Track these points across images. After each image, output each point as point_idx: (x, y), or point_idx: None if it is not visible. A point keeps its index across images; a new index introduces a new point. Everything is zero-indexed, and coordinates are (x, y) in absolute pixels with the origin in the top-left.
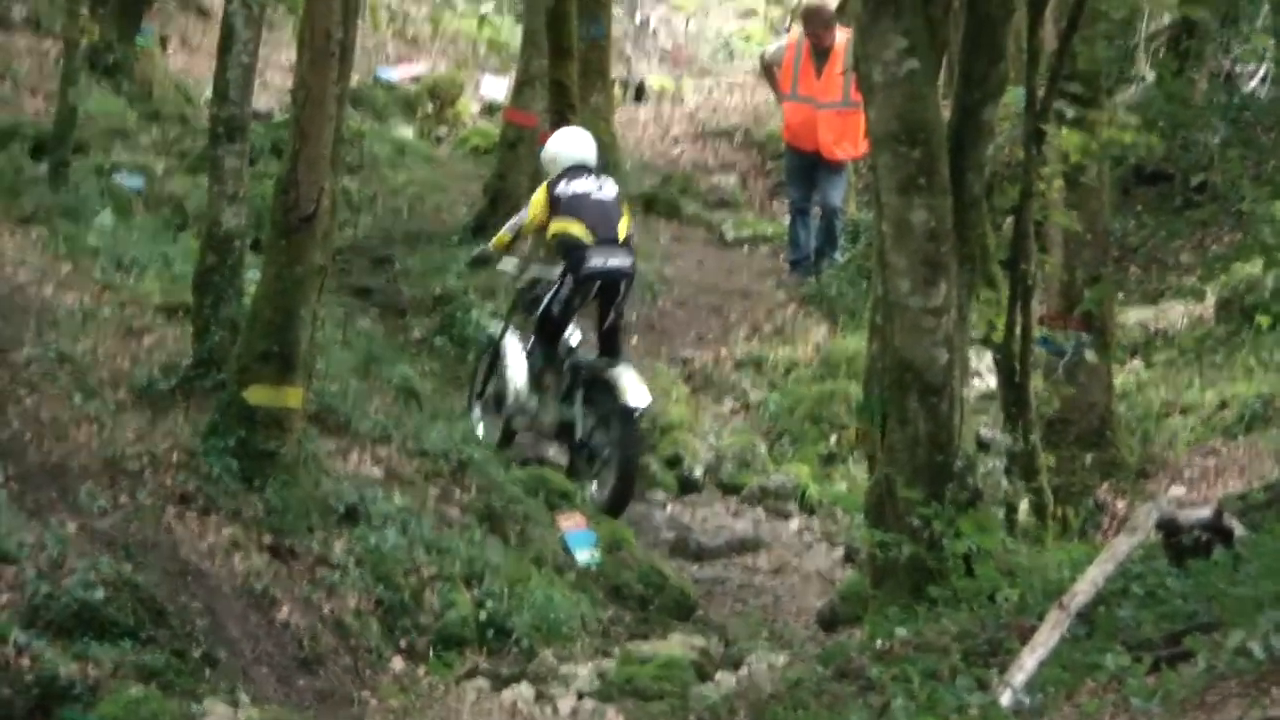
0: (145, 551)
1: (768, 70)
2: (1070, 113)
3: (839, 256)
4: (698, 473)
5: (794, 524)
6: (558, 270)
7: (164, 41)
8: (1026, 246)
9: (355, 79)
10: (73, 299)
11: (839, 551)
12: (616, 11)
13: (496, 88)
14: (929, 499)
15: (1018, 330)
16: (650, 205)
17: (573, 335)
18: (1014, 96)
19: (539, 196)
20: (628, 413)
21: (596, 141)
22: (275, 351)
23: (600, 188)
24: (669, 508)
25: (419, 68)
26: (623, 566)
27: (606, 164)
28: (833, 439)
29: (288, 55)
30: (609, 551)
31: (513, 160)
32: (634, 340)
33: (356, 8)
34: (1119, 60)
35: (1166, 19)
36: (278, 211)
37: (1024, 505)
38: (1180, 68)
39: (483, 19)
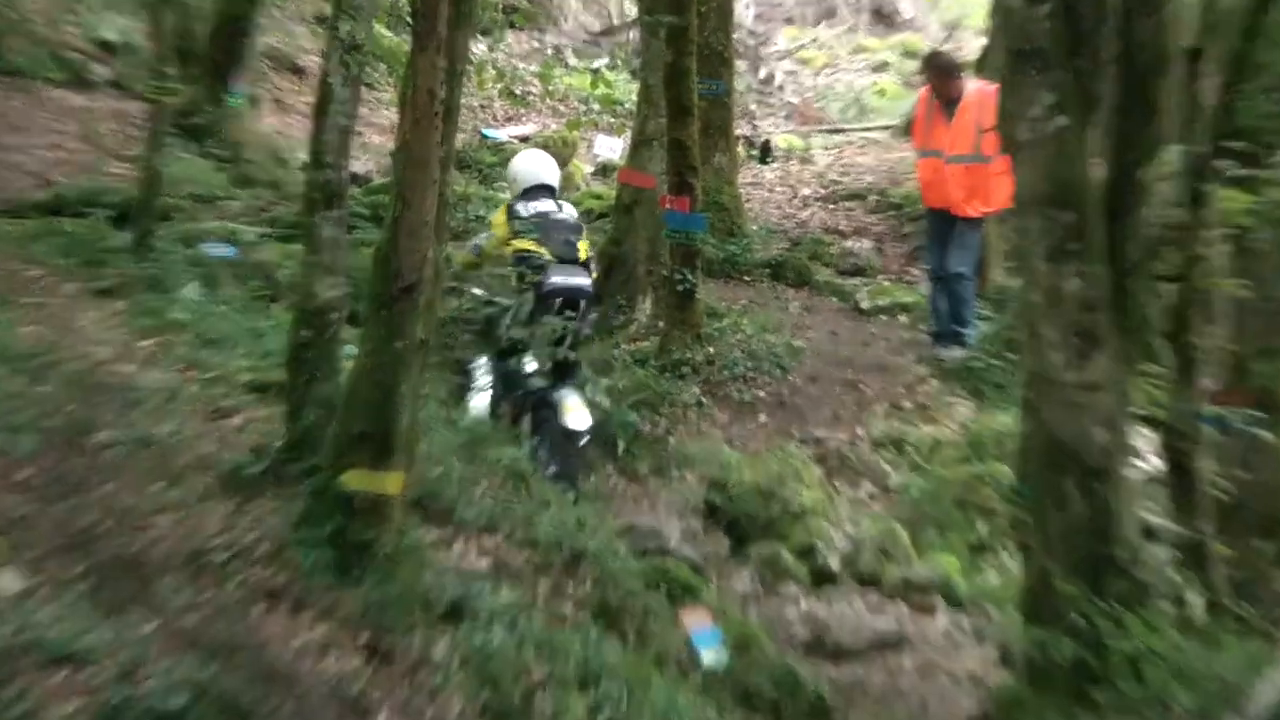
0: (230, 652)
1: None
2: (1234, 171)
3: (970, 331)
4: (833, 564)
5: (941, 620)
6: (518, 292)
7: (255, 102)
8: (1191, 317)
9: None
10: (156, 377)
11: (991, 651)
12: (739, 66)
13: (611, 148)
14: (1090, 593)
15: (1184, 408)
16: (778, 272)
17: (528, 361)
18: (1173, 156)
19: (499, 217)
20: (567, 435)
21: (719, 205)
22: (373, 433)
23: (560, 209)
24: (802, 603)
25: (528, 127)
26: (753, 667)
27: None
28: (982, 527)
29: (388, 115)
30: (737, 651)
31: (629, 224)
32: (761, 418)
33: (462, 67)
34: None
35: None
36: (377, 281)
37: (1197, 601)
38: None
39: (596, 75)
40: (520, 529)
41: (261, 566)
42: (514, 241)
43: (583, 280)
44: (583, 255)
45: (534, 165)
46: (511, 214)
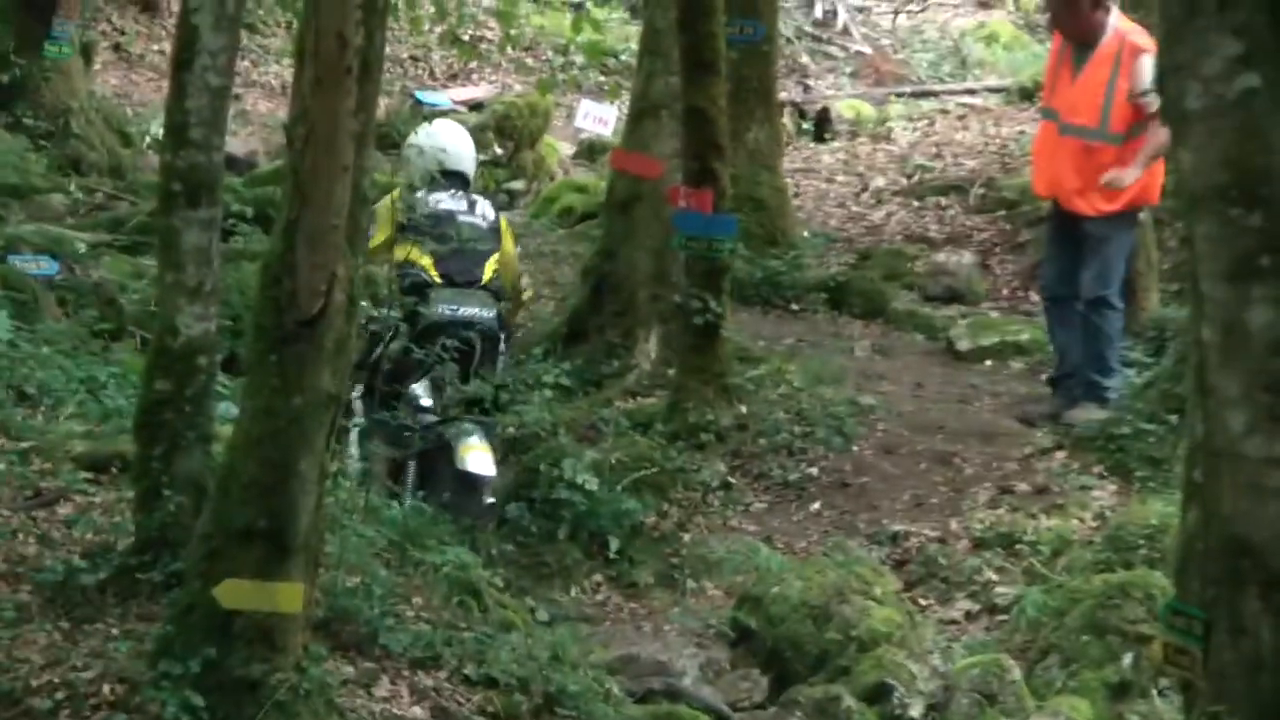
0: None
1: None
2: None
3: (1112, 382)
4: (915, 712)
5: None
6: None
7: (87, 51)
8: None
9: (383, 107)
10: None
11: None
12: (786, 1)
13: (600, 119)
14: None
15: None
16: (839, 298)
17: (420, 392)
18: None
19: (385, 206)
20: (466, 482)
21: (756, 202)
22: (262, 526)
23: (471, 208)
24: None
25: (480, 89)
26: None
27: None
28: (1127, 659)
29: (279, 72)
30: None
31: (625, 229)
32: (814, 506)
33: (385, 3)
34: None
35: None
36: (266, 311)
37: None
38: None
39: (579, 14)
40: (471, 662)
41: (104, 716)
42: (399, 248)
43: (478, 311)
44: (486, 276)
45: (445, 143)
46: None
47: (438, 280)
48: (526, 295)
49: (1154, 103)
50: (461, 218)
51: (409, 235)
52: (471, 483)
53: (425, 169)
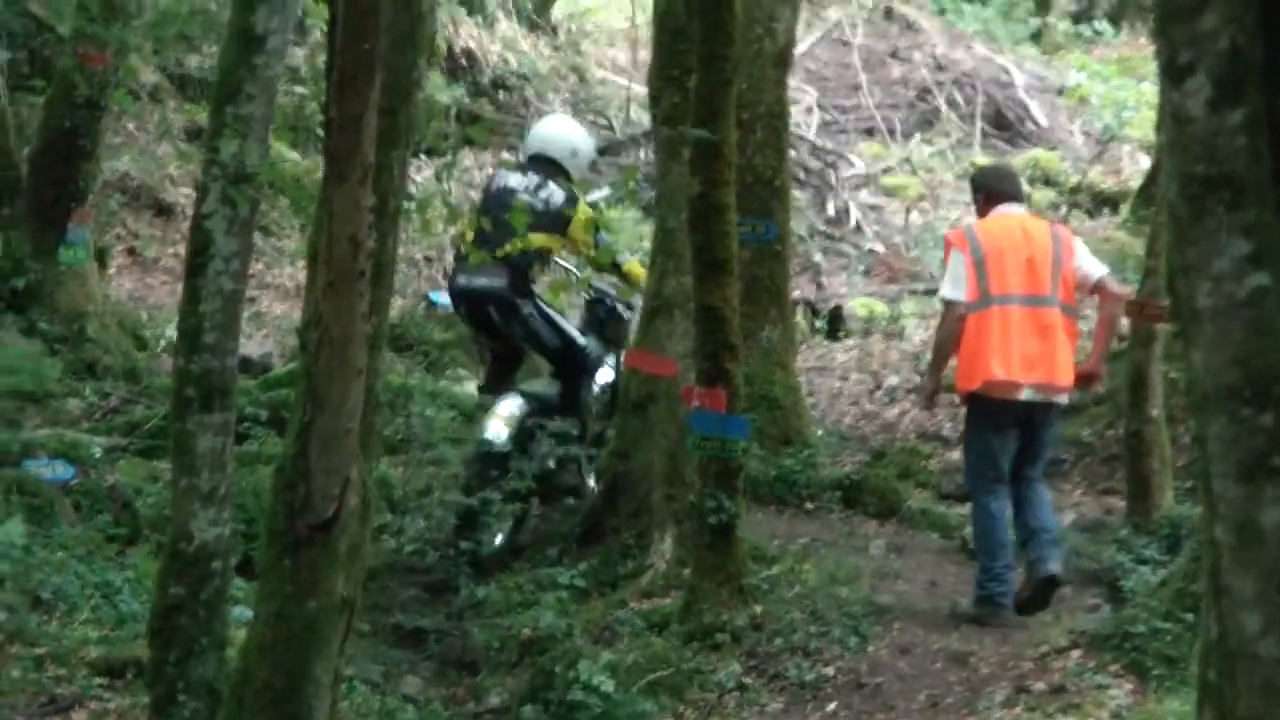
0: None
1: None
2: None
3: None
4: None
5: None
6: None
7: (103, 255)
8: None
9: (397, 308)
10: None
11: None
12: (799, 199)
13: None
14: None
15: None
16: (854, 496)
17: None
18: None
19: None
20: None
21: (769, 401)
22: None
23: (539, 188)
24: None
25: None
26: None
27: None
28: None
29: (293, 274)
30: None
31: (640, 429)
32: (830, 707)
33: (398, 203)
34: None
35: None
36: (280, 515)
37: None
38: None
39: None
40: None
41: None
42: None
43: (487, 281)
44: (515, 248)
45: (541, 131)
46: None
47: (467, 252)
48: (628, 268)
49: None
50: (521, 196)
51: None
52: (481, 449)
53: (524, 150)
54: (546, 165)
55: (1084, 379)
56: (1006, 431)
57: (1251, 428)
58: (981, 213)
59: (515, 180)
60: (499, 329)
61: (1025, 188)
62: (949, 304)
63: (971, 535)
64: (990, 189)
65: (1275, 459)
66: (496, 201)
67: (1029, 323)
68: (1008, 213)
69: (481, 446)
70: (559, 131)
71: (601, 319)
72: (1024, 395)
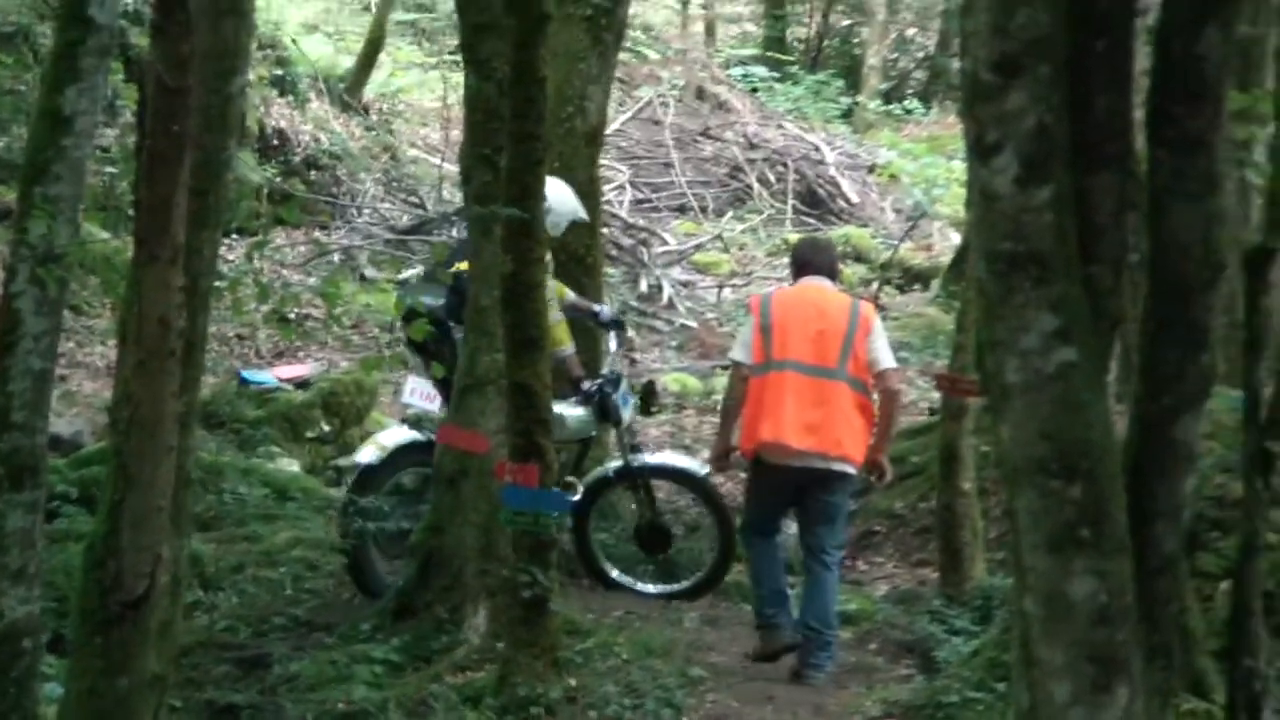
0: None
1: None
2: None
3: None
4: None
5: None
6: None
7: None
8: (1252, 630)
9: (209, 386)
10: None
11: None
12: (610, 275)
13: (426, 395)
14: None
15: None
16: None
17: None
18: (1226, 402)
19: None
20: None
21: None
22: None
23: None
24: None
25: (306, 367)
26: None
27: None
28: None
29: (103, 353)
30: None
31: (453, 505)
32: None
33: (209, 283)
34: None
35: None
36: (91, 593)
37: None
38: None
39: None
40: None
41: None
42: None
43: (427, 298)
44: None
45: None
46: None
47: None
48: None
49: None
50: None
51: None
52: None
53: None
54: None
55: (869, 468)
56: (781, 494)
57: (1060, 500)
58: (793, 283)
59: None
60: (429, 349)
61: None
62: (735, 365)
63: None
64: (799, 260)
65: (1083, 531)
66: None
67: (808, 391)
68: (810, 284)
69: (356, 470)
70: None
71: (593, 396)
72: (798, 462)
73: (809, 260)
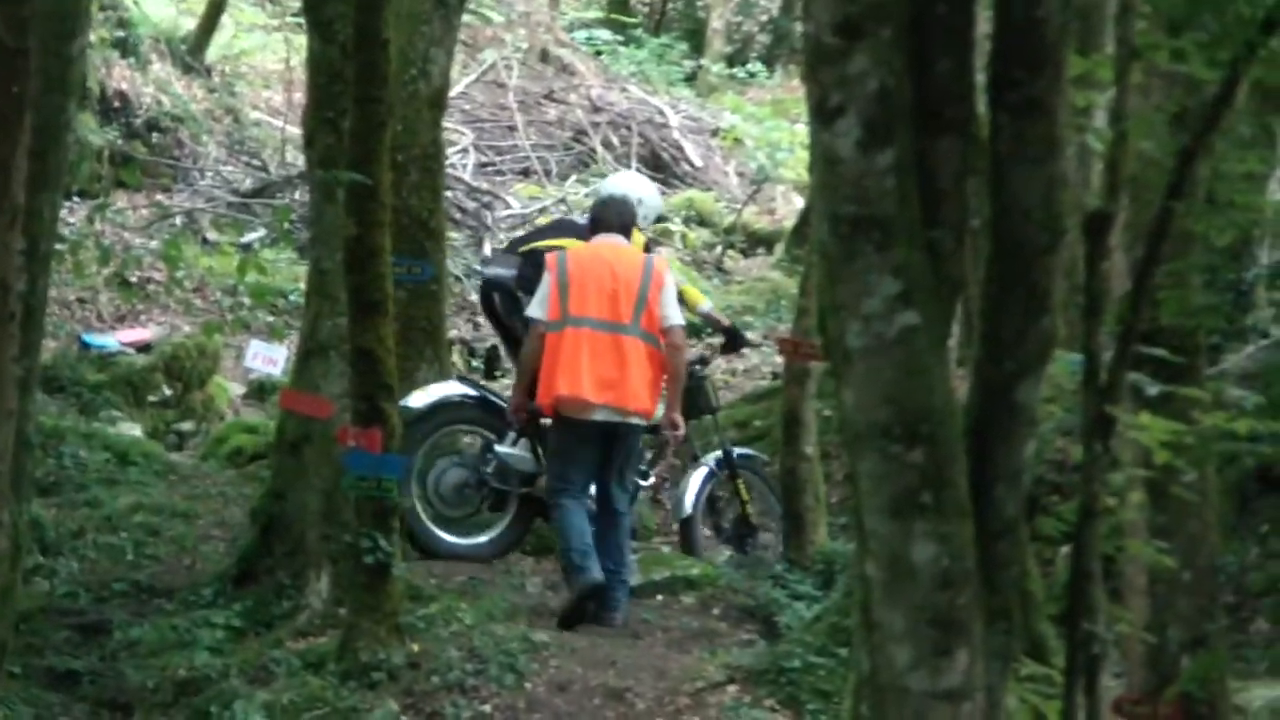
0: None
1: None
2: (1153, 389)
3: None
4: None
5: None
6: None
7: None
8: (1090, 594)
9: (50, 350)
10: None
11: None
12: (456, 240)
13: (269, 359)
14: None
15: None
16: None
17: None
18: (1066, 366)
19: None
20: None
21: None
22: None
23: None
24: None
25: (148, 332)
26: None
27: None
28: None
29: None
30: None
31: (295, 470)
32: None
33: (49, 246)
34: (1226, 309)
35: None
36: None
37: None
38: None
39: (247, 256)
40: None
41: None
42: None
43: (498, 269)
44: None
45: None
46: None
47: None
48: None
49: None
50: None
51: None
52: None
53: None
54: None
55: (666, 427)
56: (584, 447)
57: (902, 465)
58: (588, 239)
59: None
60: (500, 318)
61: (681, 227)
62: (532, 322)
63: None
64: (594, 218)
65: (925, 496)
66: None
67: (604, 347)
68: (604, 241)
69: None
70: (623, 187)
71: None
72: (596, 415)
73: (603, 218)
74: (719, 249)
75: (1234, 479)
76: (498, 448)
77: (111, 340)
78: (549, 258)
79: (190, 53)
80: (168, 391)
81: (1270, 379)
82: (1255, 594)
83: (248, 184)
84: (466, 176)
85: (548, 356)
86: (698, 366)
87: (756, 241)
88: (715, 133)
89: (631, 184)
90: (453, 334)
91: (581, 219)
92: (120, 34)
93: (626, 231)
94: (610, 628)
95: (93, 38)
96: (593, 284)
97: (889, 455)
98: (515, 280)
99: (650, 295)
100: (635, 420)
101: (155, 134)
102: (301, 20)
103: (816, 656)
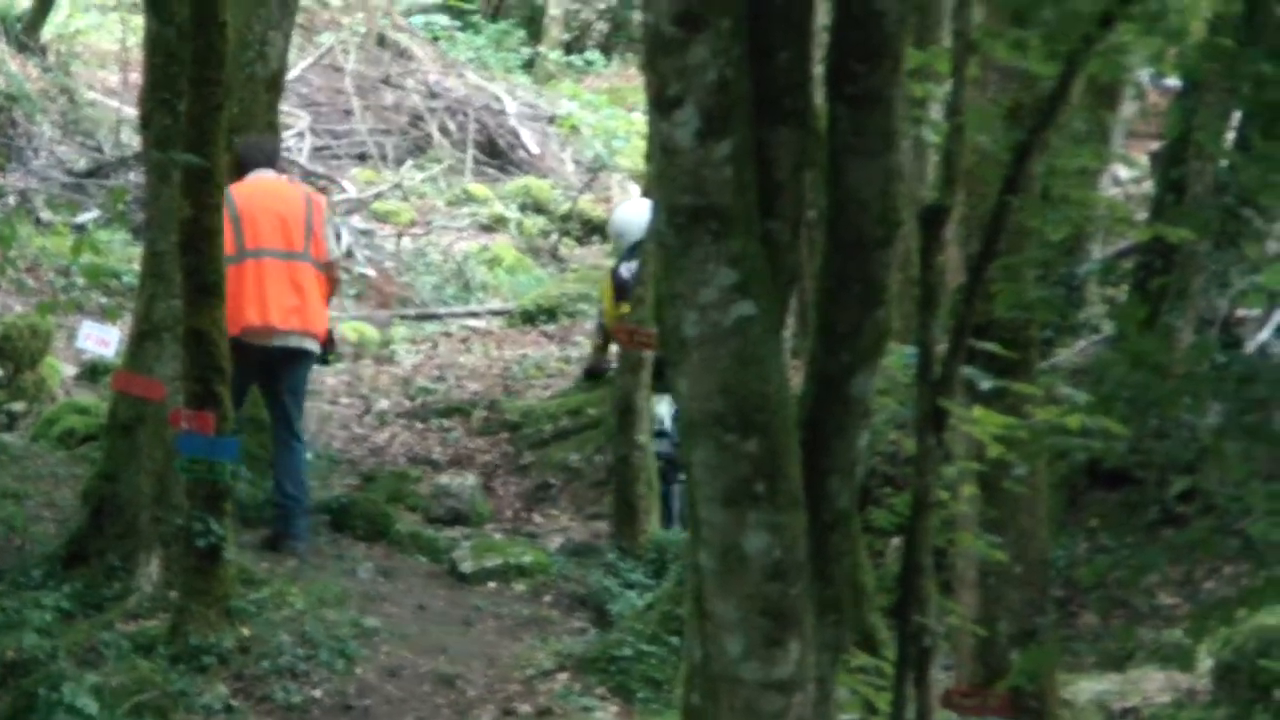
0: None
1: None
2: (987, 383)
3: None
4: None
5: None
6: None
7: None
8: (921, 587)
9: None
10: None
11: None
12: None
13: (102, 340)
14: None
15: (910, 714)
16: (343, 520)
17: (663, 418)
18: (900, 359)
19: (606, 284)
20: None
21: (258, 424)
22: None
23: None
24: None
25: None
26: None
27: None
28: None
29: None
30: None
31: (128, 451)
32: None
33: None
34: (1059, 304)
35: (1128, 240)
36: None
37: None
38: (1152, 314)
39: (81, 236)
40: None
41: None
42: (622, 305)
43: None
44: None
45: (634, 218)
46: (615, 279)
47: None
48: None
49: None
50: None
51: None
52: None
53: (627, 239)
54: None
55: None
56: (252, 374)
57: (736, 454)
58: (238, 179)
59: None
60: None
61: (517, 214)
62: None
63: None
64: (245, 158)
65: (758, 486)
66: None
67: (283, 275)
68: (263, 176)
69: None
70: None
71: None
72: (277, 341)
73: (252, 157)
74: (554, 237)
75: (1064, 473)
76: None
77: None
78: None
79: (25, 31)
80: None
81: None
82: (1084, 588)
83: (82, 164)
84: (303, 160)
85: (231, 290)
86: None
87: (592, 230)
88: (552, 120)
89: (629, 212)
90: None
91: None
92: None
93: (276, 165)
94: (295, 556)
95: None
96: (265, 217)
97: (723, 444)
98: (635, 277)
99: (315, 225)
100: (310, 344)
101: None
102: (137, 1)
103: (648, 645)
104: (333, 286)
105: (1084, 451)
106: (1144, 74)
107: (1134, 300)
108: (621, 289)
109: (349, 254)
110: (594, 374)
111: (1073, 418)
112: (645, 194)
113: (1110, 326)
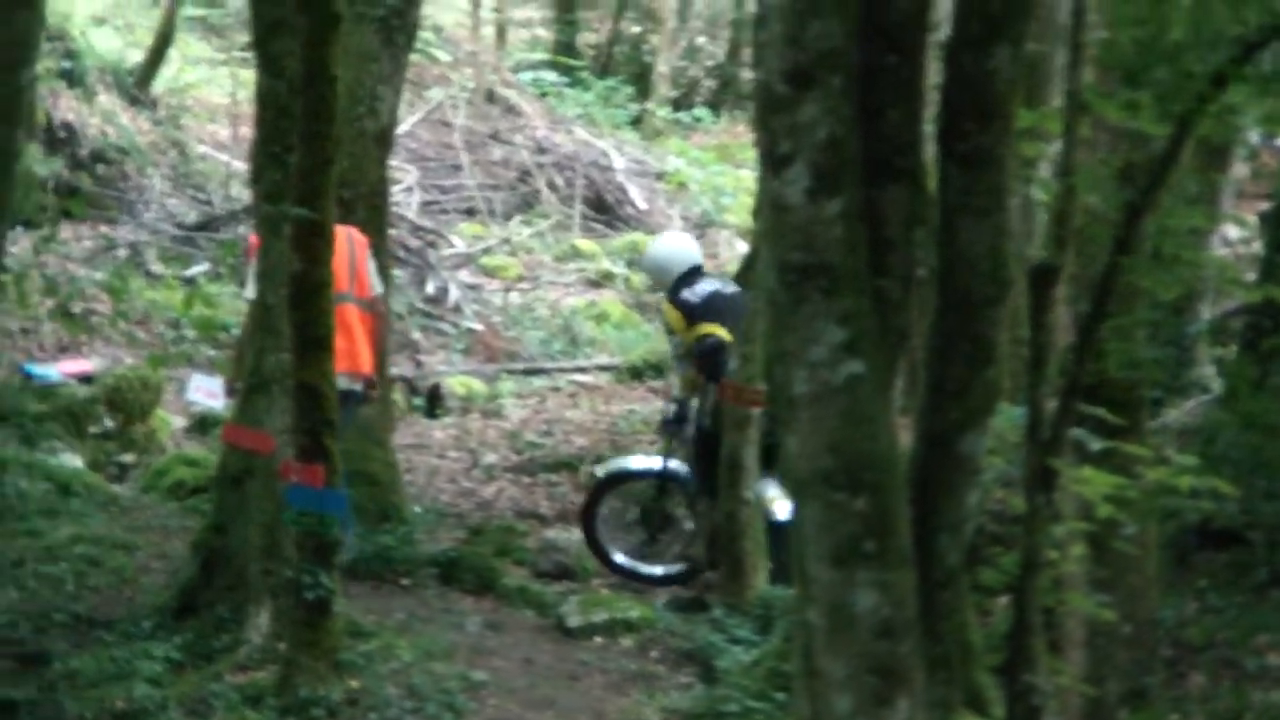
0: None
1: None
2: (1096, 444)
3: None
4: None
5: None
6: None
7: None
8: (1030, 646)
9: None
10: None
11: None
12: (398, 277)
13: (211, 393)
14: None
15: None
16: (450, 573)
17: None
18: (1010, 418)
19: (671, 313)
20: (776, 529)
21: (366, 478)
22: None
23: (725, 285)
24: None
25: (90, 362)
26: None
27: None
28: None
29: None
30: None
31: (237, 504)
32: None
33: None
34: (1169, 364)
35: (1238, 300)
36: None
37: None
38: (1262, 375)
39: (191, 289)
40: None
41: None
42: (698, 327)
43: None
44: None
45: (686, 247)
46: (681, 303)
47: (726, 336)
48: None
49: None
50: (724, 292)
51: (700, 319)
52: (780, 530)
53: (676, 269)
54: (699, 269)
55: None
56: None
57: (845, 513)
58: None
59: (709, 285)
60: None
61: (624, 270)
62: (251, 304)
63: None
64: None
65: (868, 544)
66: (720, 302)
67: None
68: None
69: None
70: (691, 242)
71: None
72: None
73: None
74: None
75: (1173, 533)
76: None
77: (54, 371)
78: (253, 239)
79: (137, 85)
80: (109, 423)
81: (1211, 434)
82: (1193, 649)
83: (192, 217)
84: (411, 214)
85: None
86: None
87: None
88: (660, 176)
89: (672, 244)
90: (394, 371)
91: (726, 288)
92: (67, 65)
93: None
94: None
95: (40, 68)
96: None
97: (832, 503)
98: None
99: (359, 264)
100: (359, 386)
101: (101, 165)
102: (248, 54)
103: (754, 701)
104: (378, 322)
105: (1194, 512)
106: (1255, 134)
107: (1244, 360)
108: (691, 313)
109: (457, 308)
110: (678, 422)
111: (1182, 478)
112: (753, 251)
113: (1220, 386)
